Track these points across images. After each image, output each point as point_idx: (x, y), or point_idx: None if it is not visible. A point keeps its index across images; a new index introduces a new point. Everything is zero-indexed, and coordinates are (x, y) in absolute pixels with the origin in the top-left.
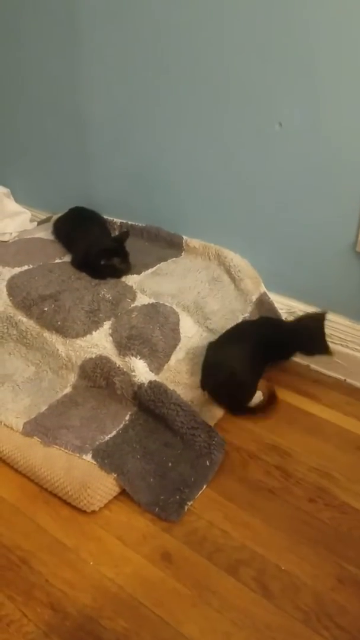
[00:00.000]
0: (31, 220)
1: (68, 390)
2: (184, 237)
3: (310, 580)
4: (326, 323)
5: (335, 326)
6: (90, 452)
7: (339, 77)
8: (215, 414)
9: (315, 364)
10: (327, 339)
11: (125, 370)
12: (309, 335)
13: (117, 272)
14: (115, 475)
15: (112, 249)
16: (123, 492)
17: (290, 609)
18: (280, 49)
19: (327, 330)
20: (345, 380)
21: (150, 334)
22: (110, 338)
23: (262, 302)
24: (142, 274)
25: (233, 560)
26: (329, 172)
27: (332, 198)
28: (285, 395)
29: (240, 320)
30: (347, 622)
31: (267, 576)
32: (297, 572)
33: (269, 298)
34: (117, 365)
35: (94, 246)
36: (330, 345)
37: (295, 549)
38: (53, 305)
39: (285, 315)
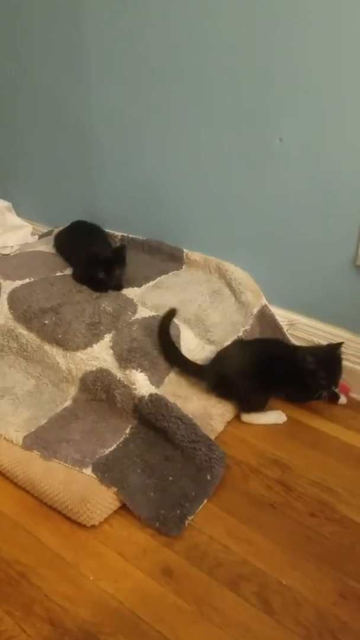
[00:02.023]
0: (32, 234)
1: (68, 403)
2: (185, 250)
3: (311, 595)
4: (327, 336)
5: (335, 339)
6: (90, 465)
7: (341, 93)
8: (216, 427)
9: None
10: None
11: (125, 383)
12: (323, 364)
13: (115, 282)
14: (115, 490)
15: (110, 260)
16: (123, 507)
17: (292, 624)
18: (282, 67)
19: (325, 343)
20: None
21: (151, 346)
22: (111, 351)
23: (263, 315)
24: (143, 286)
25: (234, 576)
26: (329, 188)
27: (332, 213)
28: (286, 409)
29: (241, 333)
30: (348, 638)
31: (268, 591)
32: (298, 587)
33: (270, 311)
34: (118, 378)
35: (93, 258)
36: None
37: (296, 564)
38: (54, 318)
39: (286, 328)
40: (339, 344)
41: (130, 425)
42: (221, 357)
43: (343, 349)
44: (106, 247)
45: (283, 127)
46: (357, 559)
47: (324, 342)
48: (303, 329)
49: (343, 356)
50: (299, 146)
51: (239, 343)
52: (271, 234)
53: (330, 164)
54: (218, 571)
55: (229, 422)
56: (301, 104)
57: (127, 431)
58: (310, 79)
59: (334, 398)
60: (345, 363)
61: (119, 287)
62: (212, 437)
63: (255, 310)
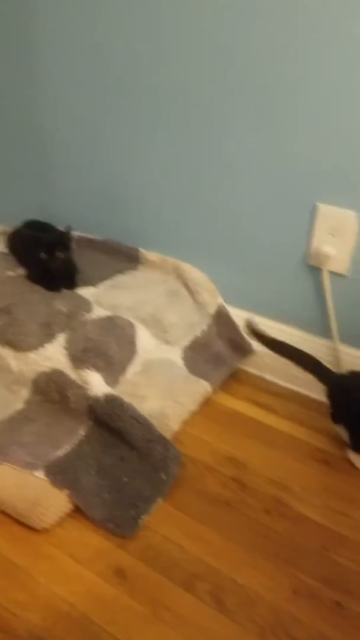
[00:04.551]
0: None
1: (20, 406)
2: (143, 250)
3: (265, 592)
4: (281, 335)
5: (289, 338)
6: (43, 468)
7: (294, 98)
8: (173, 426)
9: (270, 375)
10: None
11: (79, 383)
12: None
13: (58, 266)
14: (68, 492)
15: (52, 243)
16: (77, 509)
17: (246, 622)
18: (237, 73)
19: None
20: (299, 391)
21: (106, 346)
22: (65, 351)
23: (220, 315)
24: (99, 286)
25: (188, 575)
26: (280, 191)
27: (284, 214)
28: (242, 407)
29: (199, 333)
30: (301, 633)
31: (222, 590)
32: (252, 585)
33: (227, 310)
34: (72, 379)
35: (37, 239)
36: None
37: (251, 562)
38: (5, 318)
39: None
40: None
41: (85, 427)
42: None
43: None
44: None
45: (237, 128)
46: (311, 555)
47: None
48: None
49: None
50: (253, 150)
51: None
52: (226, 234)
53: (282, 167)
54: (172, 571)
55: (185, 422)
56: (254, 106)
57: (82, 432)
58: (264, 83)
59: None
60: None
61: (72, 285)
62: (169, 436)
63: (212, 310)
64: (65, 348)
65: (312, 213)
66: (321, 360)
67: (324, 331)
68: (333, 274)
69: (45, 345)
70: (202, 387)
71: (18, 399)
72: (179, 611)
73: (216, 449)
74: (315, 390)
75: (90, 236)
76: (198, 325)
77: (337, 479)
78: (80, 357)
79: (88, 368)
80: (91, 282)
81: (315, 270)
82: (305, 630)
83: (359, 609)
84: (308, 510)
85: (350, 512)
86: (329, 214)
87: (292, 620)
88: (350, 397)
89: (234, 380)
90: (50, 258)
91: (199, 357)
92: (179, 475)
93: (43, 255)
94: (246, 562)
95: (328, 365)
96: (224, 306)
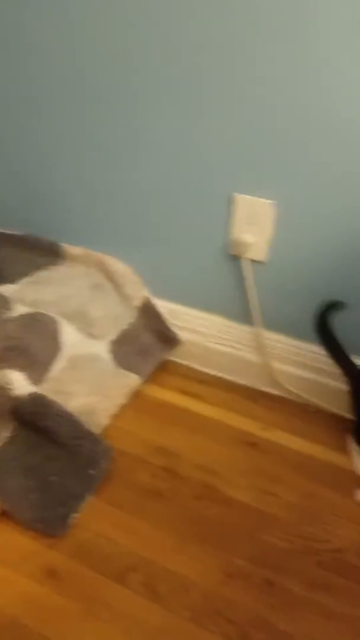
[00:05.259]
0: None
1: None
2: (65, 245)
3: (198, 578)
4: (206, 324)
5: (213, 326)
6: None
7: (207, 86)
8: (101, 421)
9: (197, 364)
10: (208, 339)
11: (2, 384)
12: None
13: None
14: None
15: None
16: (4, 513)
17: (180, 609)
18: (150, 59)
19: (206, 331)
20: (226, 377)
21: (28, 344)
22: None
23: (146, 307)
24: (19, 282)
25: (121, 568)
26: (197, 181)
27: (203, 204)
28: (171, 397)
29: (126, 326)
30: (236, 615)
31: (155, 580)
32: (185, 572)
33: (152, 302)
34: None
35: None
36: (211, 344)
37: (182, 549)
38: None
39: (169, 318)
40: None
41: (9, 428)
42: None
43: (220, 335)
44: None
45: (151, 117)
46: (241, 537)
47: (205, 331)
48: (184, 319)
49: (220, 342)
50: (166, 139)
51: None
52: (147, 226)
53: (198, 158)
54: (105, 566)
55: (115, 416)
56: (167, 97)
57: (6, 434)
58: (178, 70)
59: None
60: (224, 348)
61: None
62: (98, 431)
63: (137, 303)
64: None
65: (230, 203)
66: (246, 347)
67: (249, 318)
68: (253, 261)
69: None
70: (131, 380)
71: None
72: (113, 605)
73: (146, 441)
74: (240, 376)
75: (8, 231)
76: (124, 318)
77: (265, 460)
78: (1, 356)
79: (10, 367)
80: (10, 279)
81: (236, 259)
82: (239, 611)
83: (289, 585)
84: (237, 493)
85: (278, 492)
86: (245, 203)
87: (225, 602)
88: None
89: (162, 371)
90: None
91: (126, 350)
92: (110, 470)
93: None
94: (178, 549)
95: (251, 351)
96: (149, 298)
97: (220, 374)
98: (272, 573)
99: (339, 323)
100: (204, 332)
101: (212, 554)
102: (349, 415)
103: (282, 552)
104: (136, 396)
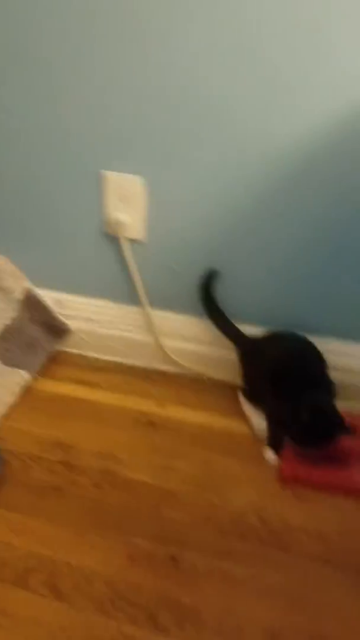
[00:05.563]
0: None
1: None
2: None
3: (101, 567)
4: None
5: (101, 311)
6: None
7: (71, 65)
8: None
9: (90, 351)
10: (97, 324)
11: None
12: None
13: None
14: None
15: None
16: None
17: (84, 602)
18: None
19: (94, 317)
20: (120, 361)
21: None
22: None
23: (29, 299)
24: None
25: (21, 571)
26: (66, 162)
27: (73, 185)
28: (65, 389)
29: (8, 321)
30: (142, 598)
31: (57, 577)
32: (88, 564)
33: (36, 293)
34: None
35: None
36: (101, 330)
37: (83, 541)
38: None
39: (56, 308)
40: None
41: None
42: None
43: (111, 319)
44: None
45: (9, 98)
46: (143, 518)
47: (93, 317)
48: (71, 307)
49: (112, 326)
50: (28, 119)
51: None
52: (21, 214)
53: (64, 137)
54: (3, 571)
55: (5, 416)
56: (27, 74)
57: None
58: (37, 49)
59: None
60: (116, 332)
61: None
62: None
63: (19, 295)
64: None
65: (100, 181)
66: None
67: (135, 299)
68: (132, 241)
69: None
70: (20, 377)
71: None
72: (14, 610)
73: (41, 437)
74: (134, 358)
75: None
76: (6, 313)
77: (163, 437)
78: None
79: None
80: None
81: (114, 240)
82: (145, 593)
83: (192, 559)
84: (137, 474)
85: (177, 466)
86: (116, 181)
87: (130, 587)
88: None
89: (54, 363)
90: None
91: (12, 346)
92: (2, 474)
93: None
94: (79, 542)
95: (142, 332)
96: (31, 289)
97: (114, 359)
98: (175, 549)
99: (222, 294)
100: (93, 318)
101: (114, 540)
102: (240, 382)
103: (184, 526)
104: (28, 393)
